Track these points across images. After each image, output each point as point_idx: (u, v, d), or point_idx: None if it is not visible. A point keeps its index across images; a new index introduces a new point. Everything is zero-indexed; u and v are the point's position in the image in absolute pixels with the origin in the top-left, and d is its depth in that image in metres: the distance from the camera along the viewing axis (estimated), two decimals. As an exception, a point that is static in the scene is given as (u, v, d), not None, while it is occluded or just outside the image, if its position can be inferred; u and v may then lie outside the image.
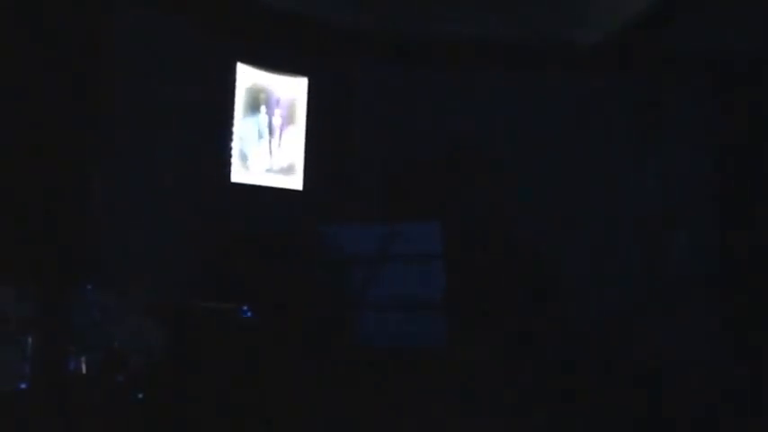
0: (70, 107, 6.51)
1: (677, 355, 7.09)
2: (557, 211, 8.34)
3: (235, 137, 8.00)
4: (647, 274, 8.16)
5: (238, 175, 8.04)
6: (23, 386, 4.61)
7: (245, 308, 6.12)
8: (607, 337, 7.38)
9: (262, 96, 8.26)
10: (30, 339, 4.66)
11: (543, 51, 8.45)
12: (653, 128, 8.50)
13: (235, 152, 8.01)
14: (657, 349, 7.20)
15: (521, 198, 8.34)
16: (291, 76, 8.45)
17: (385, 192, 8.41)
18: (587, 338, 7.29)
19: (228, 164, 7.94)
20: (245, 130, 8.13)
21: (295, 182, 8.42)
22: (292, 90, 8.47)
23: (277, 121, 8.36)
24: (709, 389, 6.22)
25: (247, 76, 8.14)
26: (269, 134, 8.31)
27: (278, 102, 8.38)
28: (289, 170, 8.41)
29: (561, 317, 7.53)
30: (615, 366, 6.62)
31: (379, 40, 8.43)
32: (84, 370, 4.85)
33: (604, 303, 7.98)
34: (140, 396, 4.95)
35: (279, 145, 8.37)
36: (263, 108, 8.26)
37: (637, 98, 8.55)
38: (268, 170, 8.28)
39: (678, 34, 7.86)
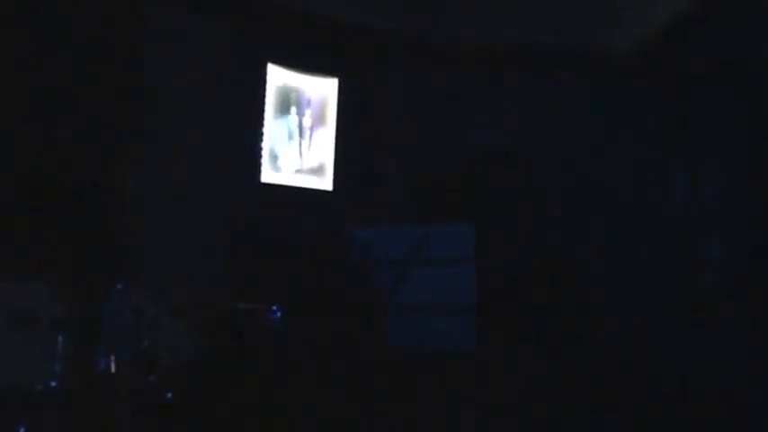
0: (104, 109, 6.55)
1: (709, 362, 6.99)
2: (586, 216, 8.26)
3: (265, 137, 8.02)
4: (679, 280, 8.06)
5: (268, 175, 8.05)
6: (54, 384, 4.62)
7: (275, 308, 6.11)
8: (638, 341, 7.29)
9: (292, 97, 8.26)
10: (60, 338, 4.68)
11: (574, 56, 8.38)
12: (683, 133, 8.40)
13: (265, 152, 8.02)
14: (689, 355, 7.10)
15: (550, 202, 8.28)
16: (322, 77, 8.45)
17: (415, 193, 8.38)
18: (618, 343, 7.21)
19: (259, 164, 7.95)
20: (275, 130, 8.13)
21: (325, 182, 8.42)
22: (323, 91, 8.46)
23: (307, 121, 8.36)
24: (741, 395, 6.13)
25: (278, 77, 8.14)
26: (299, 135, 8.31)
27: (308, 102, 8.37)
28: (319, 171, 8.41)
29: (591, 321, 7.46)
30: (646, 371, 6.54)
31: (410, 42, 8.40)
32: (113, 369, 4.87)
33: (635, 308, 7.88)
34: (170, 395, 4.95)
35: (309, 145, 8.37)
36: (293, 109, 8.26)
37: (667, 104, 8.45)
38: (298, 171, 8.28)
39: (709, 40, 7.77)
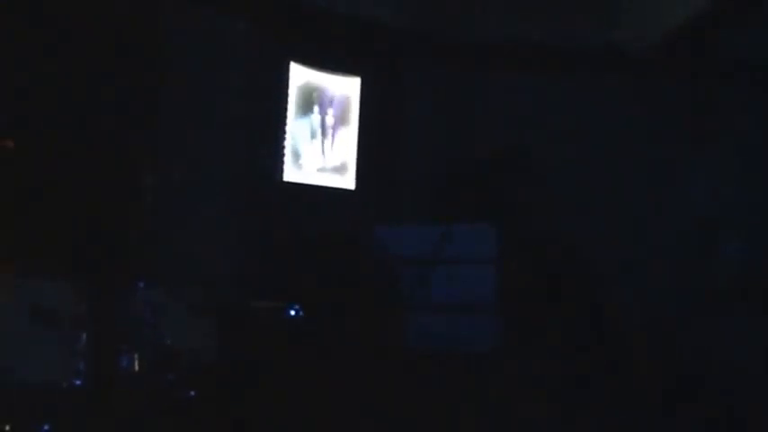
0: (126, 107, 6.58)
1: (724, 361, 6.91)
2: (606, 214, 8.21)
3: (288, 136, 8.03)
4: (698, 278, 7.97)
5: (291, 174, 8.07)
6: (78, 383, 4.66)
7: (296, 307, 6.13)
8: (657, 340, 7.24)
9: (315, 96, 8.26)
10: (83, 336, 4.71)
11: (592, 55, 8.32)
12: (704, 131, 8.30)
13: (287, 151, 8.03)
14: (706, 355, 7.03)
15: (568, 200, 8.24)
16: (344, 76, 8.45)
17: (437, 192, 8.36)
18: (637, 341, 7.16)
19: (281, 163, 7.97)
20: (297, 129, 8.15)
21: (347, 181, 8.43)
22: (345, 90, 8.46)
23: (330, 120, 8.37)
24: (755, 395, 6.05)
25: (300, 76, 8.16)
26: (321, 134, 8.32)
27: (331, 101, 8.38)
28: (341, 169, 8.41)
29: (609, 319, 7.41)
30: (665, 371, 6.49)
31: (432, 41, 8.38)
32: (136, 367, 4.90)
33: (654, 307, 7.82)
34: (191, 394, 4.98)
35: (331, 144, 8.37)
36: (315, 108, 8.27)
37: (689, 101, 8.36)
38: (320, 169, 8.29)
39: (730, 38, 7.68)
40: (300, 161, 8.15)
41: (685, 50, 7.92)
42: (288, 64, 8.06)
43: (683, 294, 7.83)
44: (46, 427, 4.37)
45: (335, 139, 8.40)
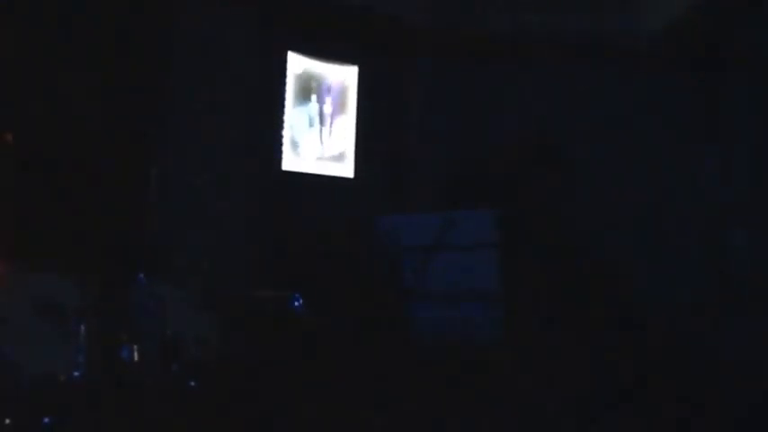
0: (128, 98, 6.54)
1: (735, 354, 6.87)
2: (616, 206, 8.18)
3: (286, 125, 7.99)
4: (707, 272, 7.94)
5: (289, 163, 8.02)
6: (77, 374, 4.62)
7: (296, 295, 6.08)
8: (668, 329, 7.20)
9: (313, 85, 8.22)
10: (83, 327, 4.67)
11: (602, 43, 8.26)
12: (715, 123, 8.26)
13: (286, 140, 7.99)
14: (716, 347, 6.98)
15: (579, 191, 8.20)
16: (342, 64, 8.40)
17: (438, 182, 8.32)
18: (648, 330, 7.12)
19: (280, 152, 7.93)
20: (296, 118, 8.10)
21: (346, 169, 8.39)
22: (343, 78, 8.42)
23: (328, 109, 8.33)
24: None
25: (298, 65, 8.11)
26: (320, 122, 8.28)
27: (329, 90, 8.34)
28: (339, 158, 8.37)
29: (618, 310, 7.37)
30: (676, 359, 6.46)
31: (431, 31, 8.32)
32: (136, 358, 4.85)
33: (663, 299, 7.78)
34: (193, 384, 4.93)
35: (330, 133, 8.34)
36: (313, 97, 8.23)
37: (699, 93, 8.31)
38: (319, 158, 8.25)
39: (742, 26, 7.63)
40: (299, 150, 8.10)
41: (695, 39, 7.86)
42: (285, 53, 8.02)
43: (696, 285, 7.80)
44: (46, 420, 4.32)
45: (334, 127, 8.36)
